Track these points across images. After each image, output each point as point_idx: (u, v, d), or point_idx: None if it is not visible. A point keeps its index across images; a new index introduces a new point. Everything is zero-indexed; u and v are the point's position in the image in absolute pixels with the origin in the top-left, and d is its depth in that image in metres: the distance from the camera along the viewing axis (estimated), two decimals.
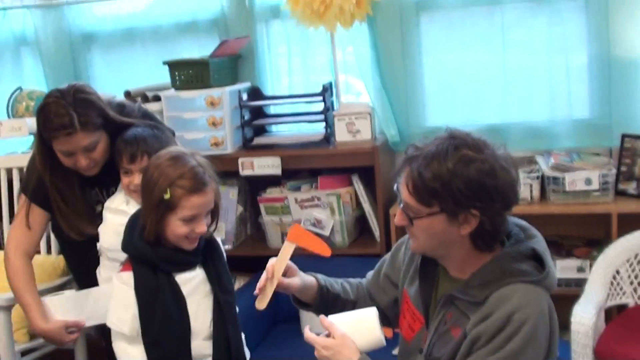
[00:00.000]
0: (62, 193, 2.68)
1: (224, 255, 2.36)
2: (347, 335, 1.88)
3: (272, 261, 2.11)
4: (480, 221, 1.77)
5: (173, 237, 2.14)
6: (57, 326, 2.62)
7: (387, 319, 2.15)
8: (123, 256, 2.33)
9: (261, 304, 2.08)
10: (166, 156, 2.16)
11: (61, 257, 3.26)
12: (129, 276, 2.18)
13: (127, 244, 2.22)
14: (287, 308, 3.55)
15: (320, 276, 2.18)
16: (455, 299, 1.84)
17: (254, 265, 3.65)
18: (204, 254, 2.24)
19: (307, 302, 2.16)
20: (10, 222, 3.41)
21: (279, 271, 2.08)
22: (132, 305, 2.15)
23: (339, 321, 1.93)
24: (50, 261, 3.31)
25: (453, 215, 1.77)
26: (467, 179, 1.73)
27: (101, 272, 2.68)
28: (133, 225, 2.23)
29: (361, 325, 1.92)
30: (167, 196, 2.09)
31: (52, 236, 3.28)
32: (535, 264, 1.83)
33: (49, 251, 3.43)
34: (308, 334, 1.92)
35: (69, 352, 3.40)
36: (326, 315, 1.98)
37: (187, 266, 2.20)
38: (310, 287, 2.14)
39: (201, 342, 2.20)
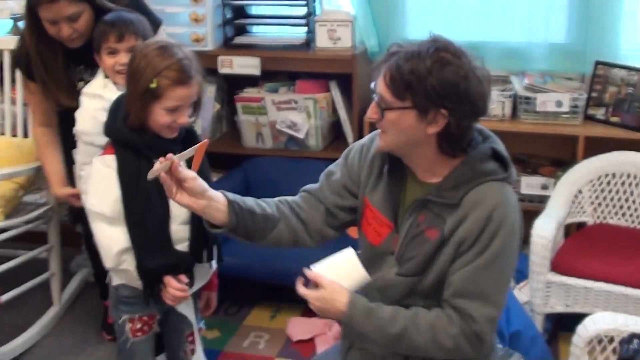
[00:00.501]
0: (45, 62, 2.78)
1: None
2: (334, 281, 1.92)
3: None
4: (447, 122, 1.81)
5: (155, 126, 2.18)
6: (65, 193, 2.87)
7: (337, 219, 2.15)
8: (99, 140, 2.37)
9: (153, 172, 1.93)
10: (154, 45, 2.18)
11: None
12: (112, 159, 2.21)
13: (111, 129, 2.25)
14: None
15: (228, 193, 2.05)
16: (428, 202, 1.90)
17: (227, 162, 3.73)
18: (183, 142, 2.27)
19: (219, 223, 2.01)
20: None
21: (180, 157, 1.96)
22: (114, 187, 2.19)
23: (323, 269, 1.95)
24: (27, 144, 3.33)
25: (423, 112, 1.81)
26: (442, 78, 1.77)
27: (77, 158, 2.72)
28: (116, 111, 2.25)
29: (344, 268, 1.95)
30: (153, 86, 2.11)
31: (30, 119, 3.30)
32: (498, 163, 1.91)
33: (26, 134, 3.45)
34: (301, 289, 1.93)
35: (42, 234, 3.47)
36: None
37: (168, 153, 2.24)
38: (218, 201, 1.99)
39: (178, 226, 2.26)
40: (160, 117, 2.16)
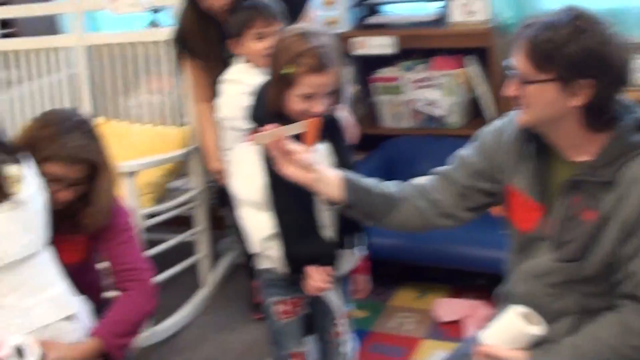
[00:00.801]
0: (205, 36, 2.94)
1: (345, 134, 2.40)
2: (511, 350, 1.82)
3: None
4: (593, 93, 1.74)
5: (292, 113, 2.17)
6: (217, 168, 3.07)
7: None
8: (242, 124, 2.40)
9: (259, 139, 2.02)
10: (295, 31, 2.17)
11: (183, 128, 3.41)
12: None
13: (255, 114, 2.27)
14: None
15: (347, 172, 2.09)
16: (581, 183, 1.81)
17: (366, 144, 3.73)
18: (327, 130, 2.25)
19: (335, 199, 2.05)
20: (125, 95, 3.61)
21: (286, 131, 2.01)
22: (259, 173, 2.20)
23: (491, 337, 1.84)
24: (172, 132, 3.46)
25: (566, 83, 1.73)
26: (582, 45, 1.70)
27: (221, 144, 2.79)
28: (261, 97, 2.27)
29: (509, 330, 1.82)
30: (286, 71, 2.11)
31: (175, 108, 3.43)
32: None
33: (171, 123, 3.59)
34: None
35: (188, 219, 3.60)
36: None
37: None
38: (330, 176, 2.03)
39: (323, 213, 2.25)
40: (295, 104, 2.15)
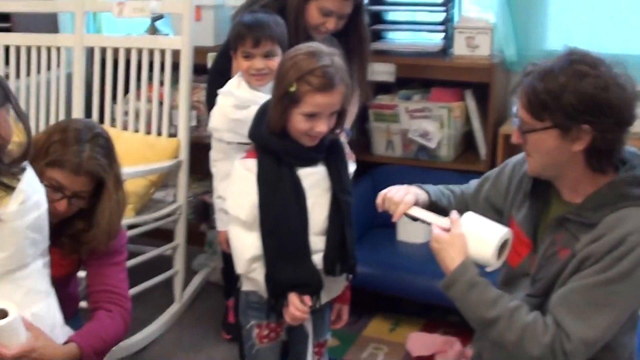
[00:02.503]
0: None
1: (347, 158, 2.37)
2: (463, 236, 1.89)
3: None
4: (592, 138, 1.75)
5: (294, 132, 2.15)
6: None
7: None
8: (227, 137, 2.44)
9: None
10: (304, 50, 2.15)
11: (173, 139, 3.35)
12: (252, 163, 2.19)
13: (254, 132, 2.24)
14: (385, 213, 3.61)
15: (431, 191, 2.17)
16: (566, 221, 1.84)
17: (356, 169, 3.67)
18: (327, 153, 2.25)
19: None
20: (119, 100, 3.53)
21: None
22: (252, 192, 2.17)
23: (467, 222, 1.92)
24: (162, 143, 3.39)
25: (565, 130, 1.76)
26: (578, 92, 1.73)
27: (211, 154, 2.74)
28: (262, 115, 2.24)
29: (482, 236, 1.90)
30: (292, 89, 2.09)
31: (165, 118, 3.37)
32: None
33: (159, 132, 3.51)
34: (434, 224, 1.95)
35: (168, 231, 3.51)
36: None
37: (309, 161, 2.21)
38: (422, 203, 2.12)
39: (314, 237, 2.22)
40: (298, 123, 2.13)
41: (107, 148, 2.17)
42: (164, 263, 3.52)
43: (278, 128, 2.15)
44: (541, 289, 1.88)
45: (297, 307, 2.18)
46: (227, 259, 3.16)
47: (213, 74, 3.01)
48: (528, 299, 1.89)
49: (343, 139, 2.44)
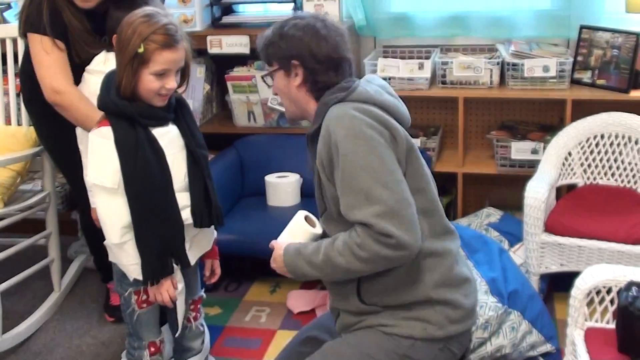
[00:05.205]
0: (73, 12, 2.79)
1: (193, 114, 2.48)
2: (280, 241, 2.16)
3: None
4: (303, 71, 2.08)
5: (145, 93, 2.22)
6: None
7: None
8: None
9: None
10: (140, 14, 2.23)
11: (32, 128, 3.31)
12: (108, 130, 2.23)
13: (105, 101, 2.28)
14: (252, 181, 3.72)
15: None
16: (310, 142, 2.13)
17: (220, 142, 3.76)
18: (175, 112, 2.34)
19: None
20: None
21: None
22: (112, 158, 2.21)
23: (280, 237, 2.20)
24: (22, 131, 3.35)
25: (285, 69, 2.11)
26: (285, 35, 2.08)
27: (77, 132, 2.75)
28: (109, 83, 2.29)
29: (295, 230, 2.18)
30: (140, 50, 2.17)
31: (23, 108, 3.32)
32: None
33: (19, 122, 3.47)
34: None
35: (40, 221, 3.50)
36: None
37: (162, 121, 2.29)
38: None
39: (178, 194, 2.30)
40: (149, 82, 2.21)
41: None
42: (39, 253, 3.50)
43: (128, 92, 2.22)
44: (319, 205, 2.14)
45: (168, 287, 2.31)
46: (94, 245, 3.22)
47: None
48: (321, 219, 2.17)
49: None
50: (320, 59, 2.07)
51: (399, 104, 2.10)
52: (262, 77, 2.25)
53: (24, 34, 2.85)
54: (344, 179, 1.94)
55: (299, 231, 2.18)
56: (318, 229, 2.18)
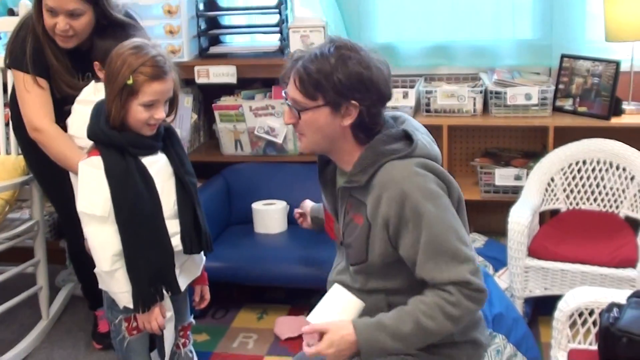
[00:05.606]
0: (54, 50, 2.84)
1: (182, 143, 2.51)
2: (332, 321, 1.95)
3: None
4: (359, 112, 1.93)
5: (134, 123, 2.25)
6: None
7: None
8: (87, 143, 2.41)
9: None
10: (129, 45, 2.26)
11: (21, 157, 3.34)
12: (98, 159, 2.26)
13: (94, 130, 2.30)
14: (240, 209, 3.75)
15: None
16: (347, 190, 2.01)
17: (207, 170, 3.80)
18: (164, 140, 2.37)
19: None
20: None
21: None
22: (103, 187, 2.24)
23: (317, 317, 1.98)
24: (11, 160, 3.38)
25: (335, 107, 1.92)
26: (346, 71, 1.90)
27: None
28: (98, 113, 2.32)
29: (336, 306, 2.00)
30: (129, 82, 2.20)
31: (12, 137, 3.35)
32: (406, 141, 1.99)
33: (8, 151, 3.49)
34: (307, 349, 1.95)
35: (28, 249, 3.51)
36: None
37: (151, 149, 2.33)
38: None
39: (168, 221, 2.33)
40: (138, 113, 2.23)
41: None
42: (27, 281, 3.51)
43: (118, 122, 2.25)
44: (357, 256, 2.01)
45: (157, 314, 2.31)
46: (82, 273, 3.23)
47: None
48: (353, 268, 2.05)
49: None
50: (384, 102, 1.98)
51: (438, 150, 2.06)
52: (289, 105, 2.00)
53: (8, 67, 2.92)
54: (429, 242, 1.88)
55: (343, 305, 1.99)
56: (360, 301, 2.01)
